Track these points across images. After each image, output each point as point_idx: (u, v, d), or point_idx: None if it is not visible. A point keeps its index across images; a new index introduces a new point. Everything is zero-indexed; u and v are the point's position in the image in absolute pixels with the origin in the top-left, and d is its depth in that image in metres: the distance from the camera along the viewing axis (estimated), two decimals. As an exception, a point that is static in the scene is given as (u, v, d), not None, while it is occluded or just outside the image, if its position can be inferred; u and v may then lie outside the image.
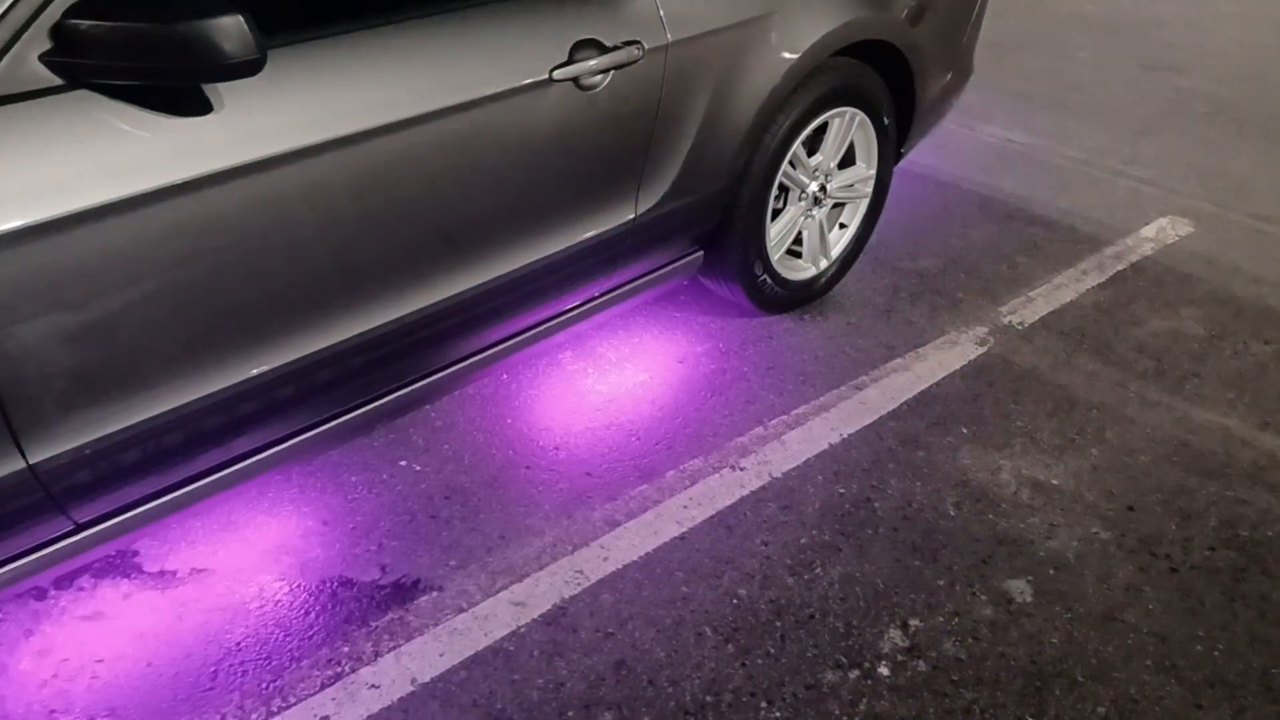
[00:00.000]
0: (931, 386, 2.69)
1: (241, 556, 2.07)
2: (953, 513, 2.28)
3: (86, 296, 1.54)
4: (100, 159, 1.51)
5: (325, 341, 1.87)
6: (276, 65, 1.63)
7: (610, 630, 1.93)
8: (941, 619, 2.01)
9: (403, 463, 2.35)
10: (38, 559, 1.71)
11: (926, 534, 2.22)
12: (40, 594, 1.96)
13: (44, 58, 1.46)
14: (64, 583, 1.99)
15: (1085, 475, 2.42)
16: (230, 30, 1.44)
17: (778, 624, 1.97)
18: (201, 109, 1.59)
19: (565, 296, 2.38)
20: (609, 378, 2.67)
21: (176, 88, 1.56)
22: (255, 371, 1.79)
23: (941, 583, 2.09)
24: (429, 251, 2.00)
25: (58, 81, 1.48)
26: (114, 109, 1.52)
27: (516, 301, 2.26)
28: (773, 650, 1.91)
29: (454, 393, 2.56)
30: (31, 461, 1.58)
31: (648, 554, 2.11)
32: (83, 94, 1.50)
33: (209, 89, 1.59)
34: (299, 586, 2.01)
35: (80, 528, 1.74)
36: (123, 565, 2.04)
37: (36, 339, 1.51)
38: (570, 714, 1.77)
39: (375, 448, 2.38)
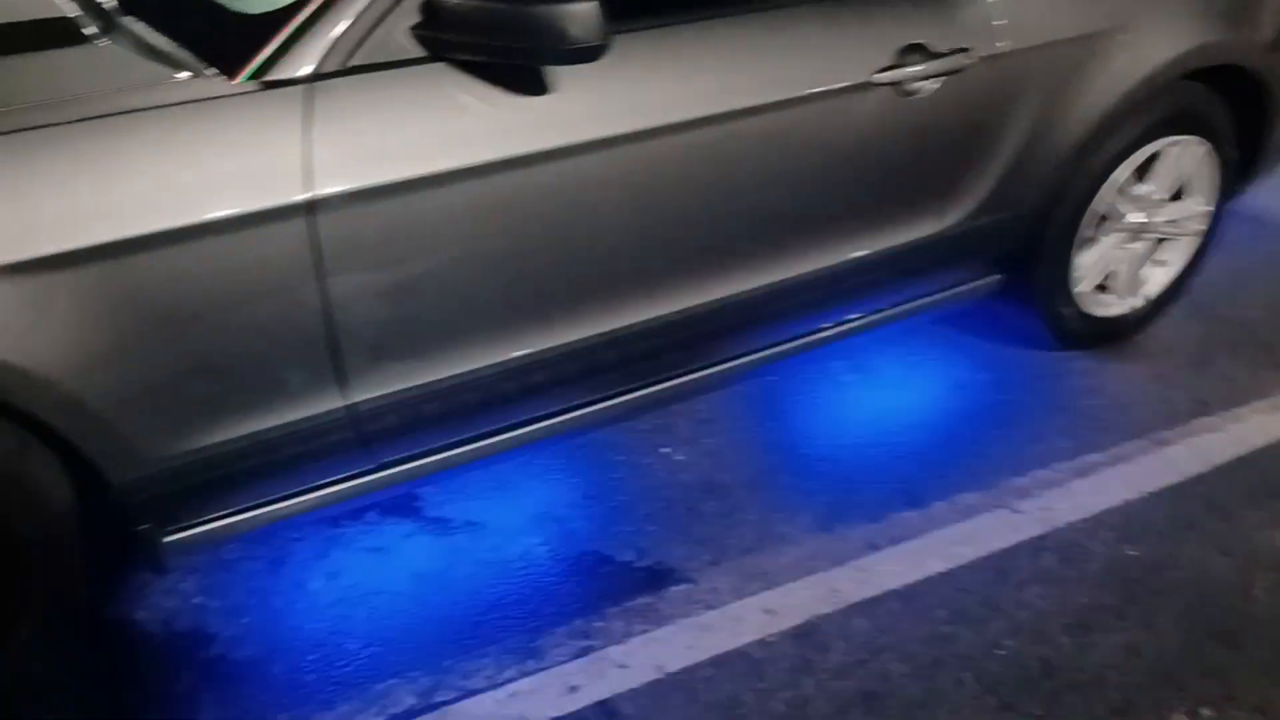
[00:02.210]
0: (1250, 453, 2.40)
1: (510, 516, 2.16)
2: (1262, 598, 2.02)
3: (419, 255, 1.64)
4: (446, 129, 1.60)
5: (617, 323, 1.91)
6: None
7: (863, 657, 1.86)
8: (1243, 714, 1.79)
9: (665, 450, 2.37)
10: (340, 490, 1.85)
11: (1228, 615, 1.98)
12: (333, 522, 2.14)
13: (413, 30, 1.57)
14: (354, 515, 2.15)
15: None
16: (583, 16, 1.48)
17: (1047, 684, 1.82)
18: (538, 89, 1.66)
19: (852, 305, 2.32)
20: (881, 394, 2.58)
21: (521, 66, 1.63)
22: (551, 344, 1.85)
23: (1244, 673, 1.86)
24: (725, 246, 1.99)
25: (420, 53, 1.59)
26: (462, 83, 1.61)
27: (802, 306, 2.22)
28: (1039, 712, 1.77)
29: (722, 389, 2.55)
30: (351, 402, 1.71)
31: (909, 585, 2.01)
32: (439, 67, 1.60)
33: (548, 71, 1.66)
34: (560, 555, 2.07)
35: (379, 467, 1.87)
36: (405, 507, 2.18)
37: (374, 290, 1.64)
38: (814, 735, 1.72)
39: (640, 432, 2.42)
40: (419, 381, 1.76)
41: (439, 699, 1.76)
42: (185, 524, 1.72)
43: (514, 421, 1.98)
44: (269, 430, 1.67)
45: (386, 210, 1.58)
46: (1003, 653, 1.88)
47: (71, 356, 1.45)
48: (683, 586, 2.00)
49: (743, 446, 2.39)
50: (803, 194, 2.03)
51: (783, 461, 2.34)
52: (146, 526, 1.67)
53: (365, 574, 2.01)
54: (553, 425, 2.03)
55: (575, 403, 2.04)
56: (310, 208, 1.52)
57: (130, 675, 1.80)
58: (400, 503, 2.18)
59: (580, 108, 1.69)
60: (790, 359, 2.32)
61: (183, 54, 1.62)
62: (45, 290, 1.40)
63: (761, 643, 1.88)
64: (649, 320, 1.94)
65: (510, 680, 1.80)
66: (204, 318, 1.54)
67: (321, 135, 1.51)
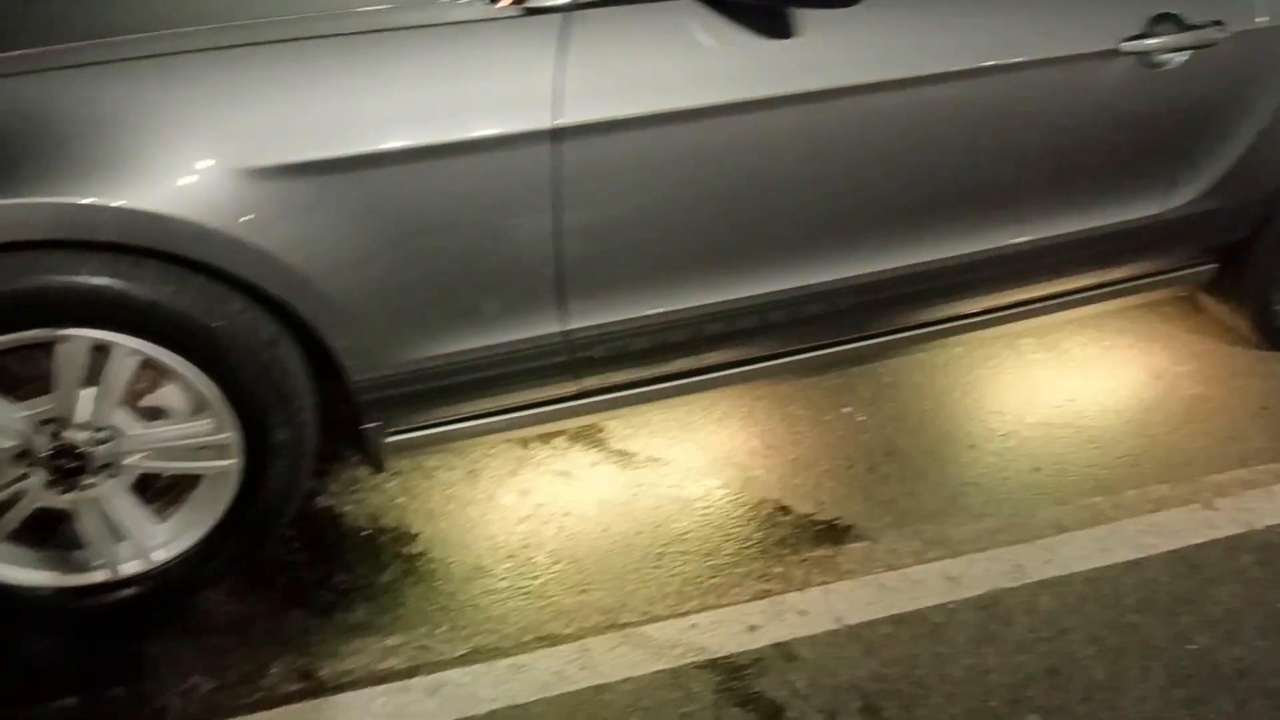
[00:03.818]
0: None
1: (691, 457, 2.21)
2: None
3: (654, 190, 1.68)
4: (693, 66, 1.62)
5: (825, 276, 1.92)
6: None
7: (1046, 635, 1.83)
8: None
9: (846, 409, 2.37)
10: (542, 413, 1.93)
11: None
12: (522, 444, 2.22)
13: (671, -36, 1.60)
14: (542, 439, 2.24)
15: None
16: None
17: (1239, 685, 1.76)
18: (785, 33, 1.66)
19: (1056, 280, 2.25)
20: (1072, 376, 2.51)
21: (772, 8, 1.63)
22: (763, 290, 1.87)
23: None
24: (940, 207, 1.96)
25: (674, -16, 1.61)
26: (711, 22, 1.63)
27: (1006, 277, 2.17)
28: (1230, 710, 1.72)
29: (908, 354, 2.53)
30: (568, 328, 1.77)
31: (1096, 569, 1.97)
32: (690, 5, 1.62)
33: (795, 15, 1.66)
34: (740, 499, 2.10)
35: (580, 395, 1.93)
36: (590, 437, 2.25)
37: (606, 221, 1.68)
38: (994, 703, 1.71)
39: (821, 389, 2.43)
40: (634, 315, 1.80)
41: (624, 620, 1.83)
42: (405, 428, 1.82)
43: (709, 364, 2.02)
44: (491, 348, 1.74)
45: (629, 143, 1.61)
46: (1193, 648, 1.83)
47: (330, 257, 1.54)
48: (863, 544, 2.01)
49: (926, 414, 2.36)
50: (1025, 162, 1.98)
51: (966, 432, 2.31)
52: (372, 426, 1.78)
53: (553, 495, 2.09)
54: (745, 372, 2.06)
55: (769, 352, 2.06)
56: (556, 135, 1.57)
57: (340, 561, 1.93)
58: (587, 432, 2.25)
59: (824, 54, 1.68)
60: (979, 331, 2.28)
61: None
62: (313, 192, 1.50)
63: (942, 608, 1.88)
64: (858, 276, 1.94)
65: (691, 612, 1.85)
66: (444, 233, 1.62)
67: (575, 63, 1.56)
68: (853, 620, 1.84)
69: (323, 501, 2.04)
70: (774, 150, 1.72)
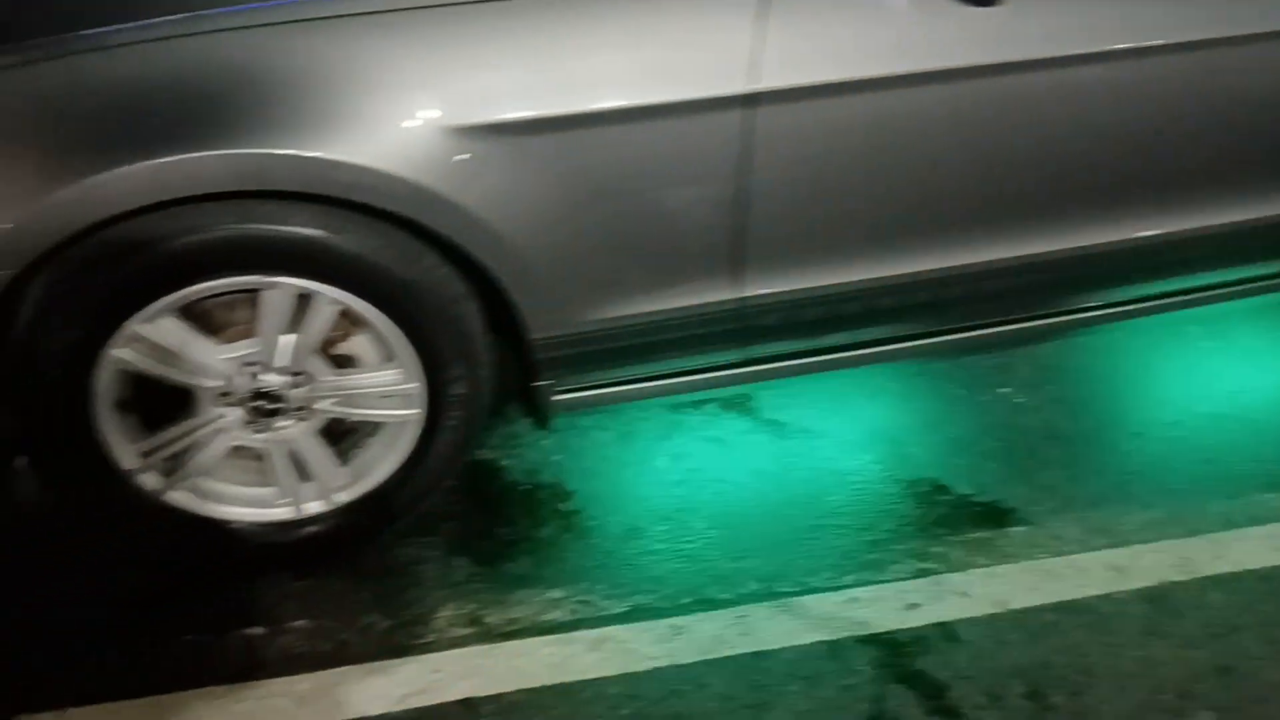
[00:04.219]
0: None
1: (845, 430, 2.19)
2: None
3: (843, 159, 1.66)
4: (892, 34, 1.60)
5: (1006, 253, 1.87)
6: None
7: (1218, 631, 1.77)
8: None
9: (1004, 390, 2.32)
10: (704, 378, 1.93)
11: None
12: (674, 408, 2.24)
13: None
14: (694, 405, 2.25)
15: None
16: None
17: None
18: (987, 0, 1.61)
19: (1232, 269, 2.16)
20: (1242, 366, 2.40)
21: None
22: (939, 265, 1.84)
23: None
24: (1128, 187, 1.89)
25: (880, -46, 1.58)
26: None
27: (1182, 263, 2.09)
28: None
29: (1068, 336, 2.46)
30: (742, 295, 1.77)
31: (1270, 568, 1.89)
32: (893, -30, 1.59)
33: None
34: (896, 475, 2.08)
35: (743, 363, 1.93)
36: (742, 405, 2.25)
37: (792, 189, 1.67)
38: (1165, 697, 1.67)
39: (978, 368, 2.38)
40: (810, 285, 1.79)
41: (781, 589, 1.83)
42: (574, 387, 1.85)
43: (873, 338, 2.00)
44: (667, 311, 1.75)
45: (822, 110, 1.60)
46: (1380, 657, 1.75)
47: (524, 217, 1.57)
48: (1024, 529, 1.97)
49: (1088, 398, 2.30)
50: (1221, 144, 1.89)
51: (1131, 419, 2.24)
52: (543, 383, 1.81)
53: (707, 461, 2.11)
54: (909, 348, 2.03)
55: (936, 328, 2.03)
56: (750, 100, 1.56)
57: (501, 514, 1.98)
58: (738, 400, 2.26)
59: (1028, 24, 1.63)
60: (1145, 316, 2.20)
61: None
62: (515, 152, 1.52)
63: (1108, 598, 1.83)
64: (1039, 255, 1.89)
65: (849, 586, 1.85)
66: (633, 196, 1.63)
67: (775, 28, 1.54)
68: (1016, 605, 1.82)
69: (484, 455, 2.09)
70: (966, 121, 1.68)
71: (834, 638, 1.75)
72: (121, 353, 1.54)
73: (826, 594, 1.83)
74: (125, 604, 1.77)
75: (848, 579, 1.86)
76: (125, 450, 1.65)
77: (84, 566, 1.83)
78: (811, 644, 1.74)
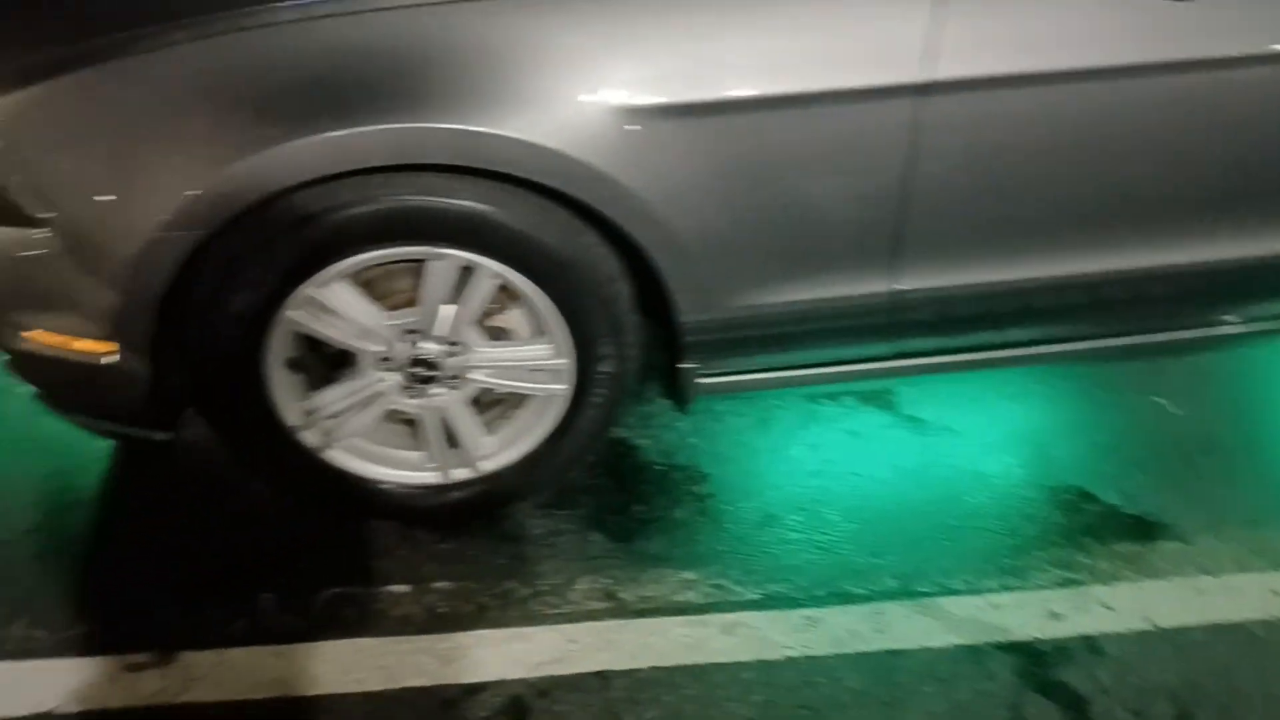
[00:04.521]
0: None
1: (987, 430, 2.14)
2: None
3: (1012, 154, 1.62)
4: (1073, 25, 1.54)
5: (1175, 258, 1.79)
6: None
7: (1387, 667, 1.69)
8: None
9: (1157, 399, 2.23)
10: (848, 370, 1.91)
11: None
12: (813, 398, 2.22)
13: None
14: (831, 396, 2.23)
15: None
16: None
17: None
18: (1177, -9, 1.54)
19: None
20: None
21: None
22: (1103, 267, 1.77)
23: None
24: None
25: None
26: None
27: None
28: None
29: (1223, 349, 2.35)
30: (897, 288, 1.74)
31: None
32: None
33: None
34: (1039, 480, 2.03)
35: (889, 356, 1.90)
36: (881, 399, 2.22)
37: (958, 183, 1.63)
38: (1324, 734, 1.60)
39: (1128, 372, 2.29)
40: (968, 281, 1.75)
41: (919, 588, 1.81)
42: (718, 371, 1.85)
43: (1024, 338, 1.94)
44: (819, 301, 1.73)
45: (997, 103, 1.55)
46: None
47: (685, 200, 1.57)
48: (1175, 544, 1.90)
49: (1246, 409, 2.20)
50: None
51: (1293, 438, 2.14)
52: (688, 365, 1.82)
53: (844, 453, 2.09)
54: (1061, 352, 1.96)
55: (1091, 332, 1.96)
56: (922, 89, 1.53)
57: (636, 492, 2.00)
58: (877, 393, 2.23)
59: (1220, 19, 1.55)
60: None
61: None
62: (682, 134, 1.52)
63: (1266, 623, 1.75)
64: (1210, 261, 1.80)
65: (990, 590, 1.81)
66: (794, 183, 1.61)
67: (956, 15, 1.50)
68: (1165, 623, 1.75)
69: (620, 433, 2.12)
70: (1147, 120, 1.62)
71: (972, 642, 1.72)
72: (295, 314, 1.61)
73: (966, 597, 1.80)
74: (281, 553, 1.86)
75: (988, 583, 1.82)
76: (290, 407, 1.73)
77: (245, 515, 1.92)
78: (949, 646, 1.72)
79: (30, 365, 1.70)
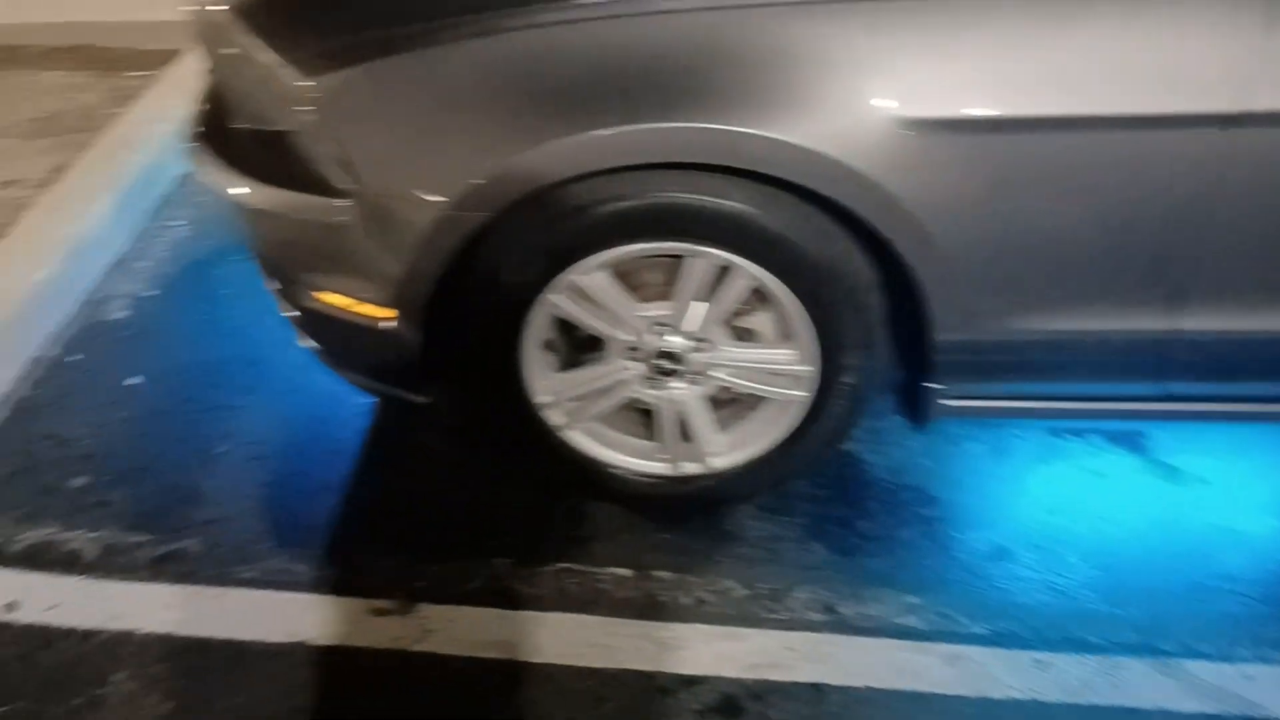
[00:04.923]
0: None
1: (1248, 487, 1.97)
2: None
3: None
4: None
5: None
6: None
7: None
8: None
9: None
10: (1103, 408, 1.81)
11: None
12: (1056, 432, 2.11)
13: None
14: (1076, 432, 2.11)
15: None
16: None
17: None
18: None
19: None
20: None
21: None
22: None
23: None
24: None
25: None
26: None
27: None
28: None
29: None
30: (1177, 327, 1.62)
31: None
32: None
33: None
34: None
35: (1152, 397, 1.78)
36: (1132, 441, 2.08)
37: (1264, 218, 1.51)
38: None
39: None
40: (1255, 327, 1.61)
41: (1162, 647, 1.69)
42: (964, 394, 1.79)
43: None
44: (1083, 332, 1.65)
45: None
46: None
47: (957, 217, 1.53)
48: None
49: None
50: None
51: None
52: (934, 385, 1.77)
53: (1087, 494, 1.98)
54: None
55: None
56: (1234, 120, 1.42)
57: (861, 507, 1.97)
58: (1128, 435, 2.09)
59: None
60: None
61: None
62: (958, 149, 1.48)
63: None
64: None
65: (1243, 660, 1.67)
66: (1075, 209, 1.53)
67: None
68: None
69: (849, 446, 2.09)
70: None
71: (1218, 712, 1.60)
72: (558, 298, 1.68)
73: (1215, 663, 1.67)
74: (516, 523, 1.95)
75: (1242, 652, 1.69)
76: (540, 385, 1.80)
77: (487, 482, 2.03)
78: (1192, 713, 1.60)
79: (315, 323, 1.86)
